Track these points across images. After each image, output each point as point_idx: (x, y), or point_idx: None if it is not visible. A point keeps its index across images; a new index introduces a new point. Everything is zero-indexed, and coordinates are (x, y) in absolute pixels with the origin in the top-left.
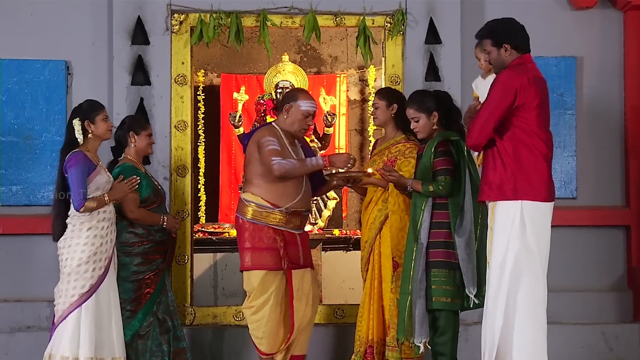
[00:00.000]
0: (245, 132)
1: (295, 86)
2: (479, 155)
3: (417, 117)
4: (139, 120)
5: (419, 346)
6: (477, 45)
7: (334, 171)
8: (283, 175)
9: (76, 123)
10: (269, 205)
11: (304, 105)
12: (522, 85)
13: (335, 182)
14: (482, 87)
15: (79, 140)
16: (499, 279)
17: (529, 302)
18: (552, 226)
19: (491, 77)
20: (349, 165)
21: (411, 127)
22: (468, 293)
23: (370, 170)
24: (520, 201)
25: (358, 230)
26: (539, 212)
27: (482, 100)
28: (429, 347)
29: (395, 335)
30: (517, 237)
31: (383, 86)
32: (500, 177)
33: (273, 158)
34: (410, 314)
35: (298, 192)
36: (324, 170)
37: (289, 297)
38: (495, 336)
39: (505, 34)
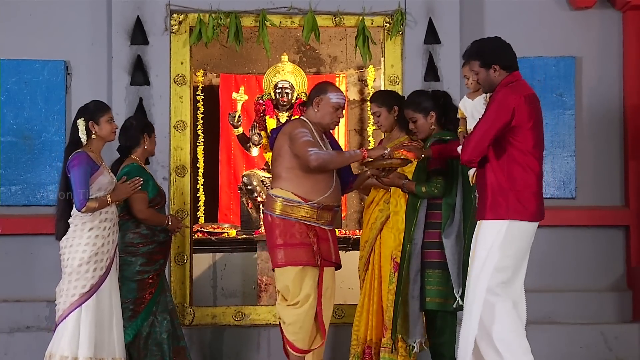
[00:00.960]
0: (275, 127)
1: (295, 86)
2: (473, 175)
3: (414, 117)
4: (148, 121)
5: (413, 346)
6: (465, 65)
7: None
8: (321, 166)
9: (80, 123)
10: (300, 199)
11: (334, 97)
12: (518, 104)
13: (369, 172)
14: (470, 107)
15: (82, 140)
16: (474, 289)
17: (507, 313)
18: (551, 226)
19: (479, 98)
20: (384, 154)
21: (409, 127)
22: (455, 293)
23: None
24: (507, 220)
25: (357, 230)
26: (525, 231)
27: (469, 120)
28: (426, 348)
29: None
30: (498, 250)
31: (382, 86)
32: (494, 196)
33: (309, 149)
34: (404, 314)
35: (329, 186)
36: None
37: (318, 295)
38: (469, 344)
39: (493, 54)
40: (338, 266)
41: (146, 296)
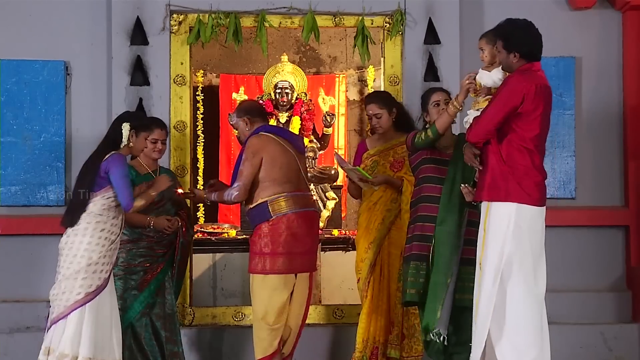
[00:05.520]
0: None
1: (294, 87)
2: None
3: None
4: (140, 119)
5: (436, 341)
6: (484, 37)
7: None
8: None
9: (125, 127)
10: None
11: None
12: (529, 92)
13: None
14: (486, 77)
15: (122, 143)
16: (494, 281)
17: (524, 304)
18: (551, 226)
19: (496, 70)
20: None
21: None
22: None
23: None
24: (514, 204)
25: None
26: (532, 216)
27: (485, 86)
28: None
29: (399, 333)
30: (511, 239)
31: (382, 87)
32: (494, 178)
33: None
34: (442, 307)
35: None
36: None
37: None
38: (484, 336)
39: (518, 42)
40: None
41: (129, 297)
